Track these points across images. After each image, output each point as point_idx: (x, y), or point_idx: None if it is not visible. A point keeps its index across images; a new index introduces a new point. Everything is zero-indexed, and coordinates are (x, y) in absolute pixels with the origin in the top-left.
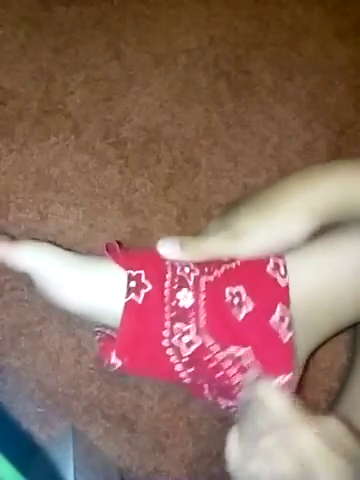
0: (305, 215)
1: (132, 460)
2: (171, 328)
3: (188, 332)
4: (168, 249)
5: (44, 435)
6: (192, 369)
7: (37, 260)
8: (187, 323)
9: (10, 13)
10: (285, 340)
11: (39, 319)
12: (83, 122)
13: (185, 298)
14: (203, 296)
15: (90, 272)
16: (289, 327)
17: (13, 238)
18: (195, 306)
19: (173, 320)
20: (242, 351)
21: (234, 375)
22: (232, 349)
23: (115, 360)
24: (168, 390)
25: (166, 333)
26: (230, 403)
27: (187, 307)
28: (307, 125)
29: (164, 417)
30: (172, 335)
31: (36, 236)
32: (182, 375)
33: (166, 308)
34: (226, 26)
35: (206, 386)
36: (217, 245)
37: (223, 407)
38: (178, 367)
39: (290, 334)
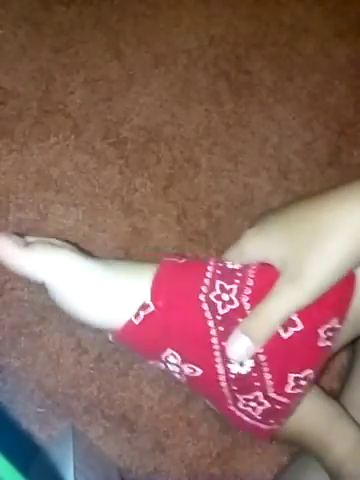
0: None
1: (132, 460)
2: (212, 283)
3: (229, 291)
4: (241, 351)
5: (44, 435)
6: (222, 328)
7: (55, 271)
8: (231, 282)
9: (10, 13)
10: (320, 344)
11: (39, 319)
12: (83, 122)
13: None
14: (252, 273)
15: (115, 288)
16: (332, 338)
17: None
18: (243, 271)
19: (216, 277)
20: None
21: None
22: None
23: (149, 302)
24: (168, 390)
25: (204, 288)
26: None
27: (236, 267)
28: (307, 125)
29: (164, 417)
30: (210, 291)
31: (36, 236)
32: (212, 332)
33: (209, 268)
34: (226, 26)
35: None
36: (287, 304)
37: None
38: (211, 323)
39: (328, 343)
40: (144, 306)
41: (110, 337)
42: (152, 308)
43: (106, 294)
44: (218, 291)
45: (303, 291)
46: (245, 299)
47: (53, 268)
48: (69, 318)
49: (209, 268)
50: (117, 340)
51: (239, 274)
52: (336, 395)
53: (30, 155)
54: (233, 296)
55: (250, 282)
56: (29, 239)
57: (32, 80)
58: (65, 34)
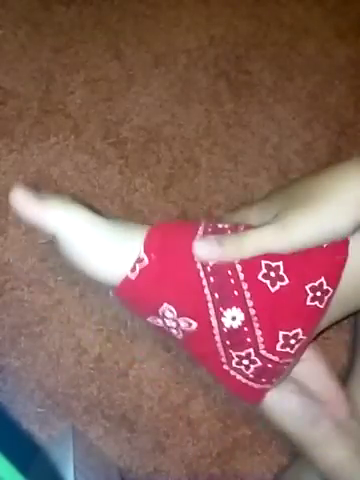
0: (352, 208)
1: (132, 460)
2: (203, 236)
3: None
4: (205, 250)
5: (44, 435)
6: (213, 279)
7: (67, 221)
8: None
9: (10, 13)
10: (309, 303)
11: (39, 319)
12: (83, 122)
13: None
14: (241, 230)
15: (119, 250)
16: (321, 299)
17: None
18: (233, 229)
19: (208, 232)
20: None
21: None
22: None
23: (143, 255)
24: (168, 390)
25: (197, 239)
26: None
27: (226, 226)
28: (307, 125)
29: (164, 417)
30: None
31: (36, 236)
32: (204, 283)
33: (200, 226)
34: (226, 26)
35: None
36: (264, 239)
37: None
38: (201, 274)
39: (317, 303)
40: (139, 259)
41: (111, 293)
42: (147, 261)
43: (107, 247)
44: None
45: (284, 234)
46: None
47: (64, 220)
48: (69, 318)
49: (200, 226)
50: (117, 295)
51: (229, 232)
52: None
53: (30, 155)
54: None
55: None
56: (44, 195)
57: (32, 80)
58: (65, 34)
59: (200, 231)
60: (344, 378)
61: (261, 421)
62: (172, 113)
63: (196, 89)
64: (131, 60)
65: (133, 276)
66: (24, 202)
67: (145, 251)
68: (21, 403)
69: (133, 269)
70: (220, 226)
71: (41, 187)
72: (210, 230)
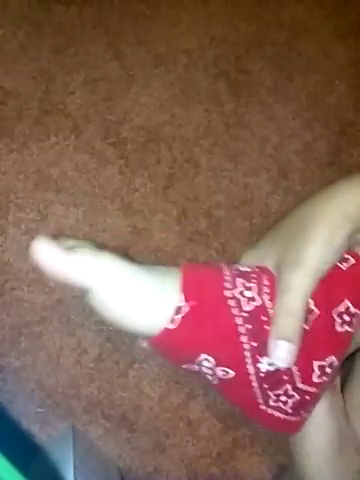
0: (342, 222)
1: (132, 460)
2: (233, 281)
3: (249, 289)
4: (285, 355)
5: (44, 435)
6: (250, 326)
7: (102, 276)
8: (249, 281)
9: (10, 13)
10: (338, 329)
11: (39, 319)
12: (83, 122)
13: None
14: (265, 274)
15: (154, 291)
16: (350, 323)
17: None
18: (257, 272)
19: (235, 276)
20: None
21: None
22: None
23: (182, 303)
24: (168, 390)
25: (228, 285)
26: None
27: (248, 270)
28: (307, 125)
29: (164, 417)
30: (233, 287)
31: (36, 236)
32: (240, 330)
33: (225, 269)
34: (226, 26)
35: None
36: (299, 291)
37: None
38: (239, 320)
39: (347, 328)
40: (178, 309)
41: (144, 344)
42: (186, 310)
43: (145, 298)
44: (240, 288)
45: (307, 273)
46: (266, 297)
47: (100, 273)
48: (69, 318)
49: (225, 269)
50: (153, 346)
51: (254, 275)
52: None
53: (30, 155)
54: (255, 293)
55: (265, 281)
56: (66, 242)
57: (32, 80)
58: (65, 34)
59: (228, 272)
60: (344, 379)
61: None
62: (172, 113)
63: (196, 89)
64: (131, 60)
65: (172, 326)
66: (50, 257)
67: (184, 300)
68: (21, 403)
69: (172, 319)
70: (242, 269)
71: (41, 187)
72: (236, 272)
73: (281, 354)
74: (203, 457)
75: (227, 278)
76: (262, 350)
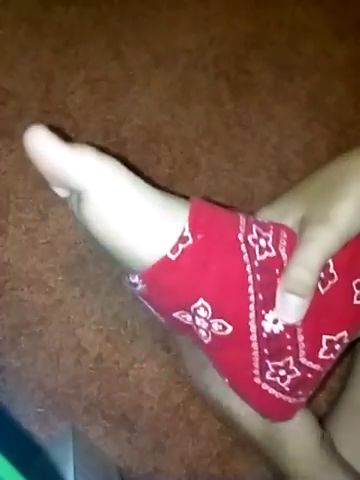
0: None
1: (132, 460)
2: (248, 226)
3: (266, 238)
4: (293, 310)
5: (44, 435)
6: (259, 277)
7: (101, 180)
8: (267, 231)
9: (10, 13)
10: (355, 301)
11: (39, 319)
12: (83, 122)
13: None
14: (284, 227)
15: (161, 212)
16: None
17: None
18: (275, 225)
19: (251, 222)
20: None
21: None
22: None
23: (188, 233)
24: (168, 390)
25: (242, 229)
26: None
27: (266, 222)
28: (307, 125)
29: (164, 417)
30: (247, 233)
31: (37, 236)
32: (249, 279)
33: (241, 215)
34: (226, 26)
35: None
36: (322, 246)
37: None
38: (248, 268)
39: None
40: (183, 238)
41: (134, 279)
42: (191, 241)
43: (149, 217)
44: (255, 235)
45: (334, 230)
46: (282, 249)
47: (102, 177)
48: (69, 318)
49: (241, 215)
50: (145, 281)
51: (272, 226)
52: (336, 395)
53: None
54: (270, 244)
55: (284, 234)
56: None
57: (32, 80)
58: (65, 34)
59: (243, 218)
60: (344, 378)
61: None
62: (172, 113)
63: (196, 89)
64: (131, 60)
65: (173, 256)
66: (46, 141)
67: (190, 230)
68: (21, 403)
69: (175, 249)
70: (260, 219)
71: (41, 187)
72: (253, 220)
73: (289, 309)
74: (203, 457)
75: (242, 222)
76: (269, 306)
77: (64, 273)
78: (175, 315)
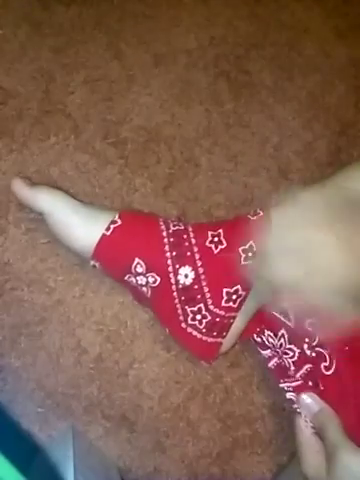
0: None
1: (132, 460)
2: (166, 223)
3: (178, 225)
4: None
5: (44, 435)
6: (172, 239)
7: (52, 203)
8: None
9: (10, 13)
10: (243, 262)
11: (39, 319)
12: (83, 122)
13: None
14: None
15: (93, 222)
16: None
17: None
18: (185, 227)
19: (168, 226)
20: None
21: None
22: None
23: (117, 218)
24: (168, 390)
25: (161, 220)
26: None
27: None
28: (307, 125)
29: (164, 417)
30: (166, 223)
31: (37, 236)
32: (165, 241)
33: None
34: (226, 26)
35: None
36: None
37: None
38: (164, 233)
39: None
40: (113, 221)
41: (92, 262)
42: (119, 222)
43: (84, 217)
44: (171, 223)
45: None
46: (190, 227)
47: (51, 201)
48: (69, 318)
49: (160, 221)
50: (96, 257)
51: (191, 230)
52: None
53: (30, 155)
54: (181, 224)
55: (191, 234)
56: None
57: (32, 80)
58: (65, 34)
59: (162, 225)
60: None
61: (261, 421)
62: (172, 113)
63: (196, 89)
64: (131, 60)
65: (108, 233)
66: (21, 190)
67: (119, 216)
68: (21, 403)
69: (108, 228)
70: (182, 227)
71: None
72: (172, 229)
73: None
74: (203, 457)
75: (161, 227)
76: (180, 260)
77: (64, 273)
78: (126, 279)
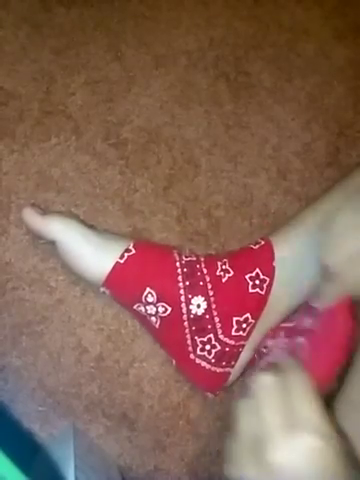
0: None
1: (132, 458)
2: (179, 253)
3: (191, 255)
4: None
5: (45, 434)
6: (187, 269)
7: (64, 233)
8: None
9: (11, 14)
10: (251, 290)
11: (40, 318)
12: (84, 123)
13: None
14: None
15: (104, 251)
16: (261, 286)
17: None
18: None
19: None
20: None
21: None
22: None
23: (131, 247)
24: (168, 389)
25: (175, 251)
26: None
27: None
28: (306, 126)
29: (164, 416)
30: (180, 254)
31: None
32: (178, 271)
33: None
34: (226, 27)
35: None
36: None
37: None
38: (178, 264)
39: (258, 290)
40: (128, 250)
41: (102, 289)
42: (133, 251)
43: (96, 245)
44: (184, 255)
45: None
46: (202, 258)
47: (62, 230)
48: (70, 317)
49: (175, 253)
50: (108, 287)
51: (203, 263)
52: (335, 395)
53: (31, 156)
54: (193, 256)
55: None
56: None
57: (33, 81)
58: (66, 35)
59: (175, 255)
60: (344, 377)
61: None
62: (172, 114)
63: (196, 90)
64: (131, 61)
65: (122, 261)
66: (32, 219)
67: (133, 246)
68: (22, 402)
69: (122, 256)
70: (194, 258)
71: (42, 188)
72: (185, 259)
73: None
74: (203, 455)
75: (175, 258)
76: (193, 290)
77: (65, 273)
78: (135, 308)
